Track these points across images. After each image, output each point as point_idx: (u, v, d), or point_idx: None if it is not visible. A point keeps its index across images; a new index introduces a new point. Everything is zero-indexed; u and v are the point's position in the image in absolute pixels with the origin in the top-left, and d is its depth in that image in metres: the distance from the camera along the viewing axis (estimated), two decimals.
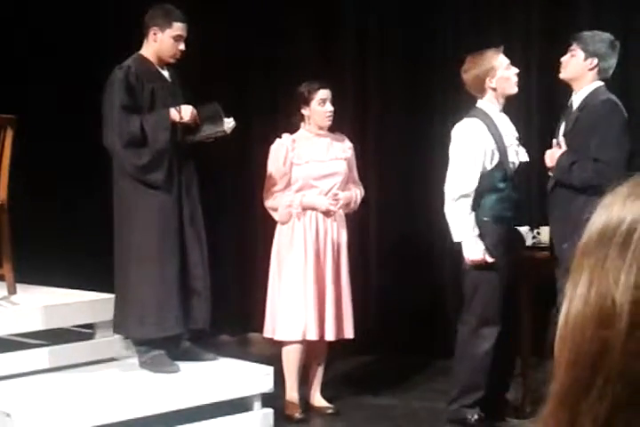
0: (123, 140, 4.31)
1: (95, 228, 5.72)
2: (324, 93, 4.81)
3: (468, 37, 5.81)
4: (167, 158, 4.37)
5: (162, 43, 4.44)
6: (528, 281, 4.66)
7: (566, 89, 4.49)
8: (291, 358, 4.77)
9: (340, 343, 4.89)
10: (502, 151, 4.40)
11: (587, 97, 4.27)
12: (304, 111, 4.83)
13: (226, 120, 4.45)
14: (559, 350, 0.71)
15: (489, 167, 4.37)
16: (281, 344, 4.79)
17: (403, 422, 4.69)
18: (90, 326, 4.70)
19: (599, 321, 0.66)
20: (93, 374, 4.43)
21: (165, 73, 4.53)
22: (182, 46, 4.46)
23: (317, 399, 4.88)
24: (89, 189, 5.66)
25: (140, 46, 4.54)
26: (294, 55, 6.12)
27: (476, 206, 4.35)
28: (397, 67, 6.15)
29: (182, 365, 4.51)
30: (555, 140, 4.31)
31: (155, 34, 4.44)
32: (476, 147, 4.34)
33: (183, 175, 4.47)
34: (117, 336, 4.71)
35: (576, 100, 4.31)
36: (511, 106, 4.61)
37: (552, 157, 4.27)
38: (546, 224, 4.71)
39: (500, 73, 4.39)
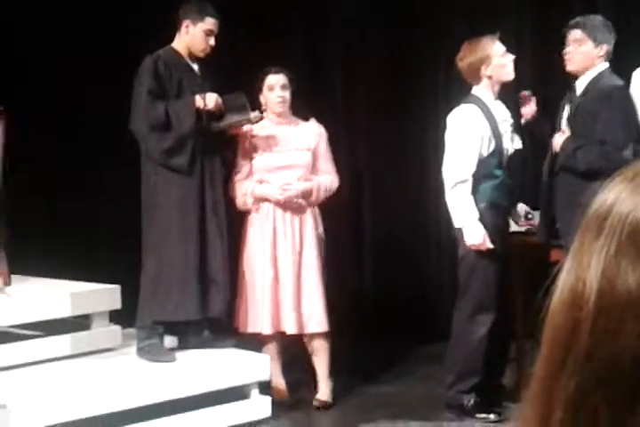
0: (148, 125, 4.42)
1: (90, 219, 5.72)
2: (272, 79, 4.72)
3: (458, 29, 5.80)
4: (191, 144, 4.47)
5: (193, 36, 4.55)
6: (521, 266, 4.68)
7: (558, 76, 4.48)
8: (266, 347, 4.76)
9: (335, 331, 4.89)
10: (498, 138, 4.40)
11: (591, 81, 4.24)
12: (261, 98, 4.78)
13: (252, 114, 4.55)
14: (544, 333, 0.72)
15: (485, 154, 4.38)
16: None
17: (398, 408, 4.70)
18: (86, 316, 4.71)
19: (572, 303, 0.67)
20: (90, 365, 4.44)
21: (195, 66, 4.63)
22: (212, 41, 4.56)
23: (320, 393, 4.78)
24: (83, 181, 5.66)
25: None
26: (280, 53, 6.09)
27: (472, 192, 4.35)
28: (386, 59, 6.12)
29: (179, 354, 4.54)
30: (560, 126, 4.30)
31: (187, 27, 4.56)
32: (473, 133, 4.34)
33: (208, 164, 4.55)
34: (114, 327, 4.72)
35: (580, 84, 4.28)
36: (503, 93, 4.59)
37: (557, 142, 4.26)
38: (537, 209, 4.73)
39: (495, 61, 4.37)
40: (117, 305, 4.68)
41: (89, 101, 5.72)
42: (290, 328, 4.65)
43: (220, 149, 4.65)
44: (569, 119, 4.29)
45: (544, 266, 4.31)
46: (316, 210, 4.83)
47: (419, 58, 6.02)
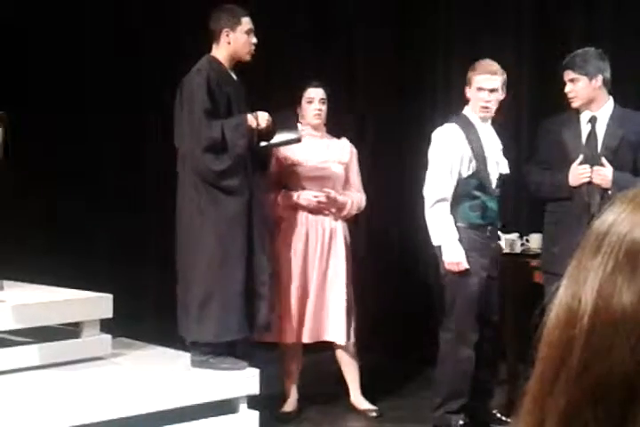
0: (203, 145, 4.32)
1: (83, 227, 5.71)
2: (312, 92, 4.83)
3: (461, 40, 5.83)
4: (243, 165, 4.39)
5: (236, 41, 4.50)
6: (512, 287, 4.67)
7: (557, 103, 4.49)
8: (286, 357, 4.87)
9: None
10: (480, 160, 4.40)
11: (614, 112, 4.31)
12: (299, 110, 4.87)
13: (300, 133, 4.51)
14: (539, 349, 0.72)
15: (465, 175, 4.39)
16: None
17: None
18: (77, 324, 4.69)
19: (566, 320, 0.68)
20: (79, 373, 4.42)
21: (234, 76, 4.57)
22: (254, 39, 4.53)
23: (357, 401, 4.93)
24: (76, 189, 5.65)
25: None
26: (287, 57, 6.12)
27: (451, 212, 4.36)
28: (388, 71, 6.16)
29: (168, 366, 4.52)
30: (602, 159, 4.25)
31: (227, 35, 4.50)
32: (452, 152, 4.37)
33: (254, 181, 4.49)
34: (104, 336, 4.70)
35: (602, 116, 4.32)
36: (500, 118, 4.61)
37: (604, 176, 4.22)
38: (534, 232, 4.72)
39: (473, 88, 4.41)
40: (109, 314, 4.66)
41: (89, 102, 5.73)
42: (306, 337, 4.71)
43: (262, 165, 4.62)
44: (613, 151, 4.27)
45: (535, 287, 4.32)
46: (346, 225, 4.90)
47: (418, 77, 6.05)
